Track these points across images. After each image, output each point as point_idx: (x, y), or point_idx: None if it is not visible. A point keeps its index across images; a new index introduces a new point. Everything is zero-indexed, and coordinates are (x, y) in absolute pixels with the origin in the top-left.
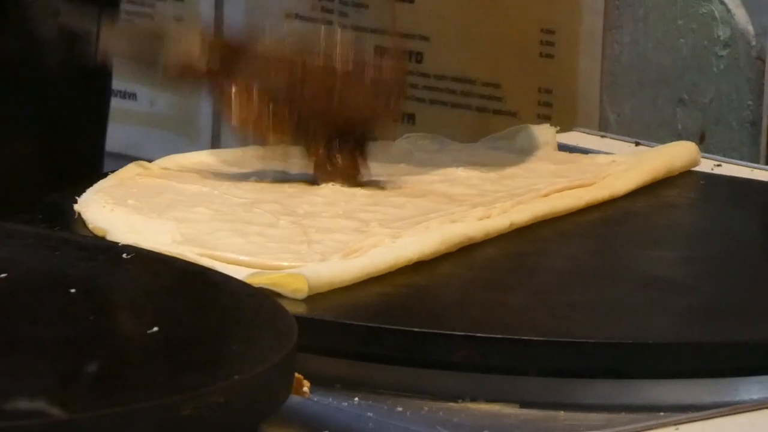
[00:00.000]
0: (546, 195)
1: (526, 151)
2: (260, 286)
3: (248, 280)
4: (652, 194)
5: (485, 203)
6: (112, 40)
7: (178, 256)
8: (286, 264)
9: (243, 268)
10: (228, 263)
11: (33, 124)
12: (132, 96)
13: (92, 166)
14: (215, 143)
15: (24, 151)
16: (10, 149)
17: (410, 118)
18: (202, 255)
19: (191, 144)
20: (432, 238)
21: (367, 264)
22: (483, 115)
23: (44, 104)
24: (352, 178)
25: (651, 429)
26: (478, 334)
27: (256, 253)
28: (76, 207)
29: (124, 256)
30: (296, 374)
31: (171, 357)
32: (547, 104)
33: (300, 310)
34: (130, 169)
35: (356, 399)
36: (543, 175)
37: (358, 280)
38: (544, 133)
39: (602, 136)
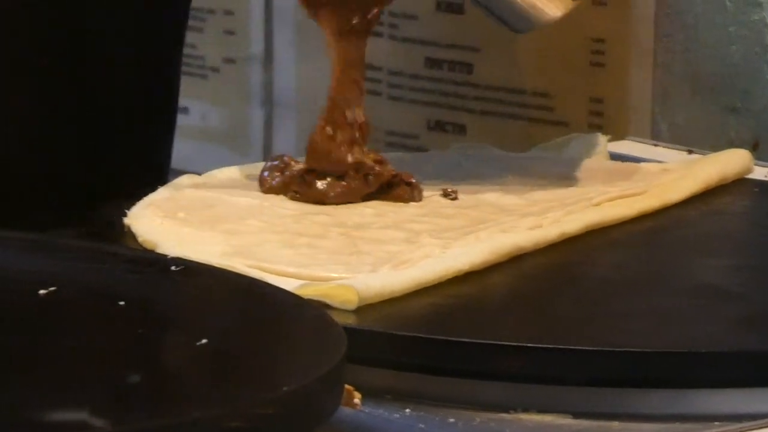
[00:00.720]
0: (597, 204)
1: (577, 160)
2: (310, 297)
3: (298, 292)
4: (704, 202)
5: (536, 213)
6: None
7: (227, 268)
8: (335, 275)
9: (292, 280)
10: (277, 275)
11: (97, 134)
12: (184, 110)
13: (158, 178)
14: (266, 157)
15: (92, 163)
16: (73, 161)
17: (461, 128)
18: (251, 267)
19: (242, 158)
20: (482, 249)
21: (417, 275)
22: (534, 126)
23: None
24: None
25: None
26: (530, 345)
27: (306, 264)
28: (126, 220)
29: (173, 268)
30: (347, 386)
31: (220, 369)
32: (599, 114)
33: (349, 320)
34: (181, 182)
35: (407, 410)
36: (594, 184)
37: (408, 291)
38: (596, 141)
39: (654, 145)
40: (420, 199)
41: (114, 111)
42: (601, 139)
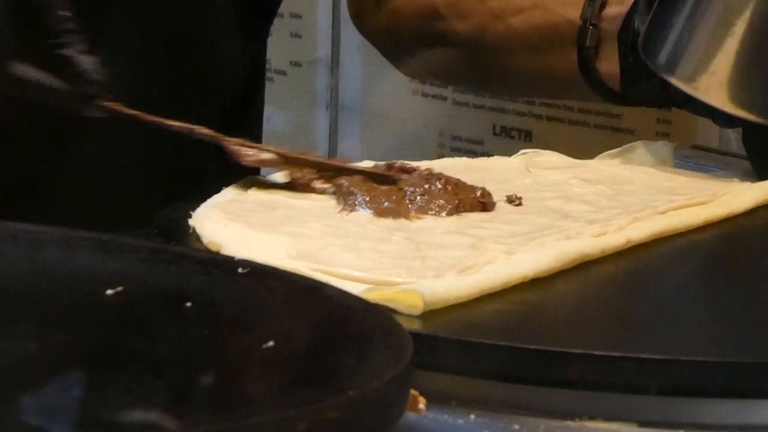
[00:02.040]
0: (663, 212)
1: (642, 168)
2: (375, 301)
3: (363, 296)
4: None
5: (601, 220)
6: None
7: (294, 272)
8: (400, 280)
9: (357, 284)
10: (342, 279)
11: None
12: None
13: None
14: (331, 156)
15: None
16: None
17: (527, 134)
18: (316, 270)
19: None
20: (547, 255)
21: (482, 280)
22: (601, 133)
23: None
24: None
25: None
26: (596, 352)
27: (370, 268)
28: (190, 222)
29: (240, 270)
30: (412, 391)
31: (286, 371)
32: (666, 121)
33: (415, 325)
34: (245, 184)
35: (472, 416)
36: (660, 192)
37: (473, 297)
38: (661, 149)
39: (722, 154)
40: (492, 210)
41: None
42: (667, 146)
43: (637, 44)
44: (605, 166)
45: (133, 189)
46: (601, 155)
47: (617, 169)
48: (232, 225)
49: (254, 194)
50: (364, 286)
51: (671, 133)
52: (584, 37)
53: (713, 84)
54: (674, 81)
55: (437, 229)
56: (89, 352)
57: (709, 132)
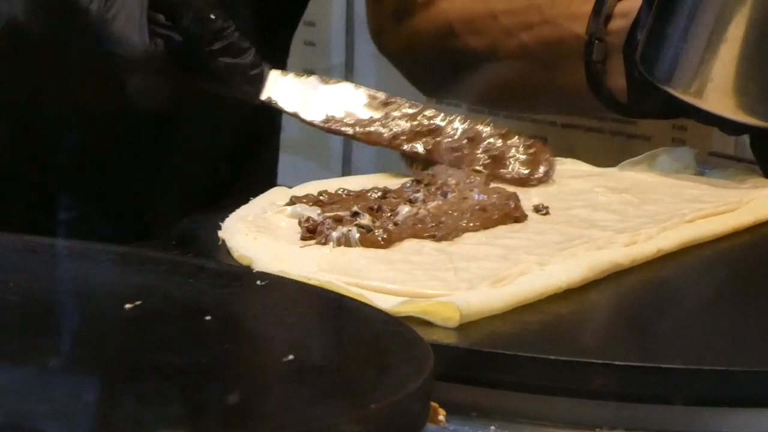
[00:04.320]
0: (691, 221)
1: (666, 175)
2: (410, 314)
3: (398, 309)
4: None
5: (629, 229)
6: None
7: (322, 285)
8: (433, 292)
9: (391, 297)
10: (375, 291)
11: (206, 152)
12: None
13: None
14: (346, 168)
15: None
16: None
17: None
18: (348, 283)
19: (322, 169)
20: (580, 266)
21: (517, 292)
22: (617, 139)
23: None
24: None
25: None
26: (616, 362)
27: (403, 281)
28: (220, 234)
29: (259, 282)
30: (432, 402)
31: (306, 385)
32: (681, 128)
33: (435, 337)
34: (271, 195)
35: (492, 427)
36: (686, 200)
37: (508, 309)
38: (684, 155)
39: (738, 160)
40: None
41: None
42: (689, 152)
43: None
44: (628, 173)
45: (152, 200)
46: (622, 163)
47: (641, 177)
48: (262, 238)
49: (282, 206)
50: (398, 299)
51: (687, 140)
52: (591, 52)
53: (712, 92)
54: (674, 91)
55: (468, 239)
56: (108, 367)
57: (725, 138)
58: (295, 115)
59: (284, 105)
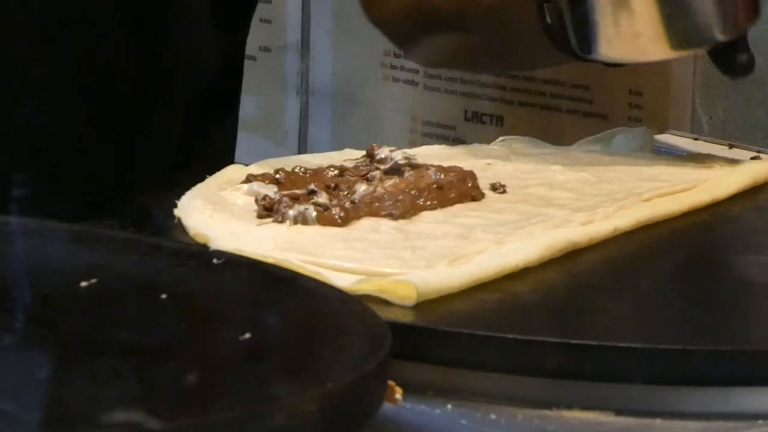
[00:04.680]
0: (648, 199)
1: (623, 155)
2: (367, 293)
3: (355, 287)
4: (752, 198)
5: (587, 208)
6: None
7: (279, 263)
8: (391, 271)
9: (348, 275)
10: (332, 270)
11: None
12: None
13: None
14: (302, 146)
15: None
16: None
17: (498, 120)
18: (305, 261)
19: (278, 147)
20: (537, 245)
21: (474, 271)
22: (572, 117)
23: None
24: None
25: None
26: (573, 341)
27: (360, 259)
28: (176, 212)
29: (215, 261)
30: (389, 381)
31: (263, 364)
32: (638, 106)
33: (392, 315)
34: (227, 173)
35: (449, 406)
36: (643, 179)
37: (465, 288)
38: (640, 136)
39: (695, 139)
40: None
41: (186, 100)
42: (646, 132)
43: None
44: (584, 152)
45: (105, 177)
46: (579, 142)
47: (597, 156)
48: (218, 216)
49: (237, 184)
50: (355, 277)
51: (643, 118)
52: (544, 16)
53: (651, 43)
54: (621, 60)
55: (425, 218)
56: (63, 345)
57: (681, 117)
58: None
59: None
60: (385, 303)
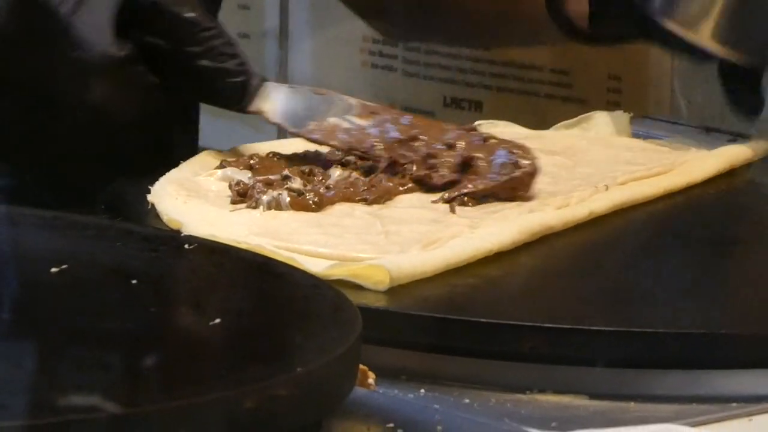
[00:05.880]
0: (623, 183)
1: (599, 138)
2: (340, 277)
3: (328, 272)
4: (728, 181)
5: (562, 192)
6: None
7: (252, 248)
8: (364, 255)
9: (321, 260)
10: (306, 255)
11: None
12: None
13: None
14: (281, 132)
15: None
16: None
17: (477, 105)
18: (279, 247)
19: (256, 133)
20: (511, 229)
21: (448, 255)
22: (551, 102)
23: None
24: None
25: (723, 420)
26: (546, 325)
27: (334, 245)
28: (149, 197)
29: (186, 246)
30: (361, 366)
31: (233, 349)
32: (617, 91)
33: (364, 300)
34: (202, 159)
35: (422, 391)
36: (619, 163)
37: (439, 272)
38: (618, 120)
39: (673, 123)
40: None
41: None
42: (624, 116)
43: None
44: (561, 136)
45: (79, 165)
46: (556, 125)
47: (574, 140)
48: (192, 202)
49: (212, 169)
50: (328, 262)
51: (622, 102)
52: None
53: (709, 29)
54: (673, 24)
55: (399, 203)
56: (33, 331)
57: (660, 101)
58: (281, 126)
59: (271, 116)
60: (359, 288)
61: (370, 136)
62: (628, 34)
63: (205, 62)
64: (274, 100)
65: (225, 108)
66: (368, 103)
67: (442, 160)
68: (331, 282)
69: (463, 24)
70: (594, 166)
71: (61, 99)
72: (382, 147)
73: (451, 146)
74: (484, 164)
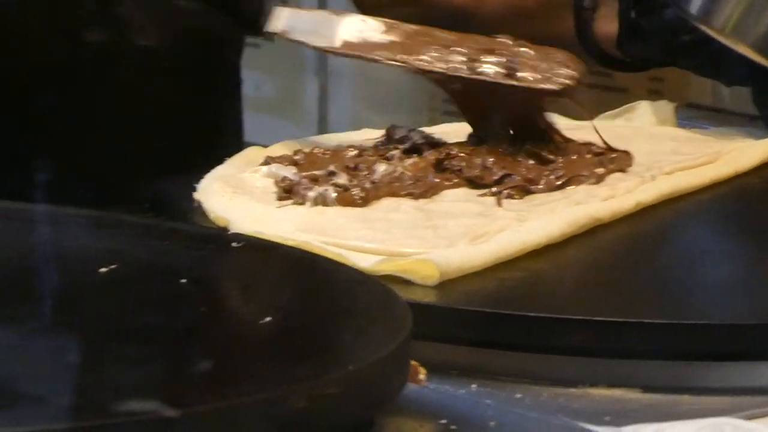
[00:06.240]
0: (669, 173)
1: (644, 129)
2: (389, 273)
3: (376, 268)
4: None
5: (607, 182)
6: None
7: (299, 245)
8: (412, 250)
9: (369, 256)
10: (354, 251)
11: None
12: None
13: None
14: (321, 127)
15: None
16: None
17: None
18: (326, 243)
19: (297, 128)
20: (559, 221)
21: (496, 249)
22: (593, 92)
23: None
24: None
25: None
26: (596, 318)
27: (381, 240)
28: (195, 195)
29: (234, 245)
30: (412, 361)
31: (283, 348)
32: (659, 79)
33: (414, 296)
34: (247, 155)
35: (473, 386)
36: (664, 153)
37: (487, 266)
38: (662, 109)
39: (716, 111)
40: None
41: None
42: (668, 106)
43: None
44: (606, 127)
45: (123, 162)
46: (601, 115)
47: (619, 130)
48: (238, 199)
49: (256, 166)
50: (376, 258)
51: (664, 91)
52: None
53: (758, 35)
54: (711, 30)
55: (446, 196)
56: (85, 332)
57: (702, 89)
58: (304, 44)
59: (296, 35)
60: (407, 283)
61: (407, 50)
62: (657, 59)
63: None
64: (291, 19)
65: (243, 30)
66: (391, 20)
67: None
68: (379, 277)
69: None
70: (639, 156)
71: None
72: (432, 60)
73: (490, 51)
74: (533, 65)
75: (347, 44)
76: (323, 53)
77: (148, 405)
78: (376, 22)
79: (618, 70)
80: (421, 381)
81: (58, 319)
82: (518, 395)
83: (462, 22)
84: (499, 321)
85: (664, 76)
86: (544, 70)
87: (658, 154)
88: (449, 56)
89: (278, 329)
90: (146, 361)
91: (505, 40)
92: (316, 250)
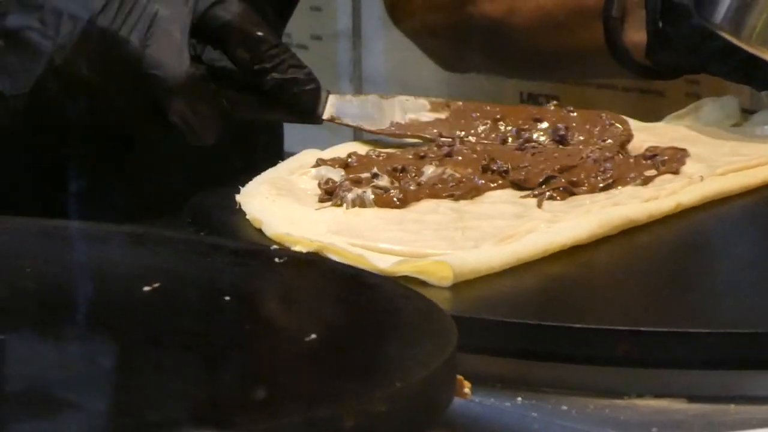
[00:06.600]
0: (723, 174)
1: (710, 129)
2: (405, 273)
3: (393, 269)
4: None
5: (656, 184)
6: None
7: (324, 246)
8: (433, 251)
9: (389, 257)
10: (380, 252)
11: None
12: None
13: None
14: (357, 133)
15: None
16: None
17: (554, 100)
18: (354, 245)
19: (331, 134)
20: (589, 222)
21: (517, 250)
22: (628, 95)
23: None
24: None
25: None
26: (642, 329)
27: (410, 241)
28: (237, 198)
29: (277, 260)
30: (456, 375)
31: (330, 365)
32: (695, 82)
33: (456, 306)
34: (301, 158)
35: (519, 399)
36: (723, 154)
37: (507, 267)
38: (728, 104)
39: (751, 113)
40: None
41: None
42: (733, 101)
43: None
44: (671, 128)
45: (167, 178)
46: (668, 117)
47: (684, 131)
48: (280, 200)
49: (307, 169)
50: (395, 259)
51: (701, 93)
52: (610, 8)
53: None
54: (736, 40)
55: (487, 198)
56: (131, 351)
57: (740, 90)
58: (361, 128)
59: (347, 120)
60: (456, 295)
61: (456, 126)
62: (687, 66)
63: (275, 75)
64: (344, 107)
65: (300, 119)
66: (436, 99)
67: (534, 134)
68: (399, 278)
69: (523, 57)
70: (696, 158)
71: (144, 127)
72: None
73: (538, 120)
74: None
75: (397, 125)
76: (357, 61)
77: (192, 424)
78: (422, 101)
79: (650, 78)
80: (466, 395)
81: (104, 338)
82: (564, 407)
83: (495, 32)
84: (544, 332)
85: (700, 79)
86: (596, 135)
87: (717, 155)
88: (498, 130)
89: (323, 346)
90: (192, 381)
91: (551, 107)
92: (339, 252)
